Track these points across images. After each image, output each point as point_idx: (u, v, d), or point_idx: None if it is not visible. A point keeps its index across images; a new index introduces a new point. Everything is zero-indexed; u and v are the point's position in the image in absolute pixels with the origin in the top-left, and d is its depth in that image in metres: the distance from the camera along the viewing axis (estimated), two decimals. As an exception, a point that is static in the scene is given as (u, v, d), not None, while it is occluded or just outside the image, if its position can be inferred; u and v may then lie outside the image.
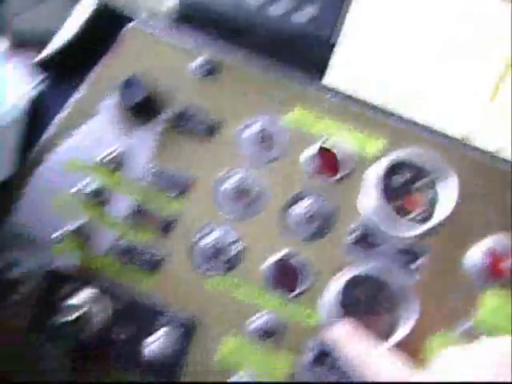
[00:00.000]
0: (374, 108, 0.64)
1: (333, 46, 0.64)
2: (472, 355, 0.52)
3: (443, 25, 0.66)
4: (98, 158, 0.62)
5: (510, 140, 0.64)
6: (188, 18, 0.64)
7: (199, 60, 0.63)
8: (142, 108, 0.61)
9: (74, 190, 0.61)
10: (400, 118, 0.64)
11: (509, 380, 0.48)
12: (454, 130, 0.64)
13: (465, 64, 0.66)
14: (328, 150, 0.62)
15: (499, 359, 0.50)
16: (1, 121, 0.63)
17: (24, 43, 0.67)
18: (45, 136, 0.62)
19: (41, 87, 0.65)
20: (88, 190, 0.61)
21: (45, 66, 0.64)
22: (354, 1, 0.62)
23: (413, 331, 0.60)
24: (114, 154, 0.61)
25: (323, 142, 0.62)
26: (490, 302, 0.62)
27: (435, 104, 0.65)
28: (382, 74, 0.64)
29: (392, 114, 0.64)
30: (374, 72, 0.64)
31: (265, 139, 0.61)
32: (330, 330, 0.60)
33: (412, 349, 0.60)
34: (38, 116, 0.65)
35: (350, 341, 0.58)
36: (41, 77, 0.65)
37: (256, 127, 0.62)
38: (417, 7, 0.66)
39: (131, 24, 0.64)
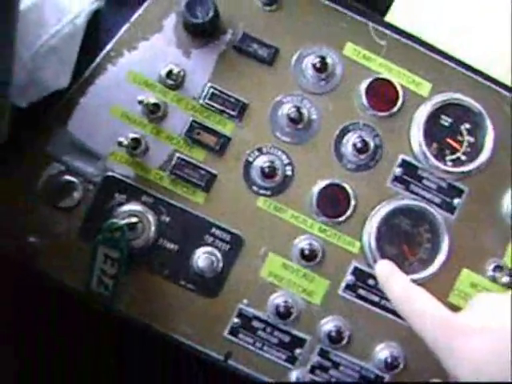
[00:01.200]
0: (430, 49, 0.65)
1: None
2: (507, 302, 0.55)
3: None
4: (159, 74, 0.63)
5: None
6: None
7: (265, -14, 0.64)
8: (205, 28, 0.62)
9: (132, 102, 0.62)
10: (453, 60, 0.65)
11: None
12: (504, 74, 0.66)
13: None
14: (383, 85, 0.64)
15: None
16: (62, 30, 0.63)
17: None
18: (107, 47, 0.63)
19: (100, 2, 0.65)
20: (147, 103, 0.62)
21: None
22: None
23: (448, 262, 0.63)
24: (175, 71, 0.63)
25: (378, 78, 0.64)
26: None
27: (489, 47, 0.67)
28: (441, 14, 0.66)
29: (446, 56, 0.66)
30: (434, 13, 0.66)
31: (322, 69, 0.63)
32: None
33: (447, 279, 0.63)
34: (97, 31, 0.66)
35: (394, 278, 0.61)
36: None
37: (314, 57, 0.63)
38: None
39: None
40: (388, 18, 0.65)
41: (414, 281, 0.62)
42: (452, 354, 0.53)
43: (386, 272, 0.61)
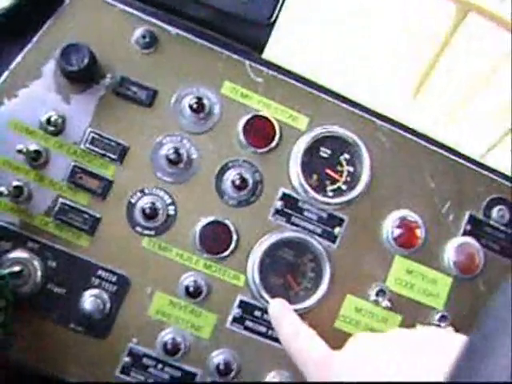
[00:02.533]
0: (306, 83, 0.68)
1: (273, 24, 0.67)
2: (383, 343, 0.57)
3: (377, 10, 0.71)
4: (39, 121, 0.64)
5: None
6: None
7: (140, 31, 0.65)
8: (82, 75, 0.63)
9: (14, 150, 0.63)
10: (329, 93, 0.68)
11: (414, 369, 0.50)
12: (380, 107, 0.69)
13: (392, 52, 0.70)
14: (260, 121, 0.66)
15: (405, 350, 0.53)
16: None
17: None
18: (-13, 96, 0.64)
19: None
20: (27, 151, 0.63)
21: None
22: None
23: (331, 290, 0.66)
24: (55, 117, 0.64)
25: (256, 114, 0.66)
26: (401, 267, 0.68)
27: (364, 81, 0.69)
28: (316, 50, 0.69)
29: (322, 89, 0.68)
30: (309, 50, 0.68)
31: (200, 109, 0.65)
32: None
33: (331, 306, 0.66)
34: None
35: (284, 317, 0.63)
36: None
37: (192, 97, 0.65)
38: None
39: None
40: (265, 55, 0.67)
41: (300, 310, 0.65)
42: None
43: (277, 311, 0.64)
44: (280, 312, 0.64)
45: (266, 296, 0.66)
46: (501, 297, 0.32)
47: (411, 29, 0.74)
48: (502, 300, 0.32)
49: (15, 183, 0.62)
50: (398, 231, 0.68)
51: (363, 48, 0.70)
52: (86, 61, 0.62)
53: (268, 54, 0.67)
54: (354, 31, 0.71)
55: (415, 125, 0.70)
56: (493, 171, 0.71)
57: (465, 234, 0.70)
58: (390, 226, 0.68)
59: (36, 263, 0.63)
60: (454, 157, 0.70)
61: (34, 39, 0.65)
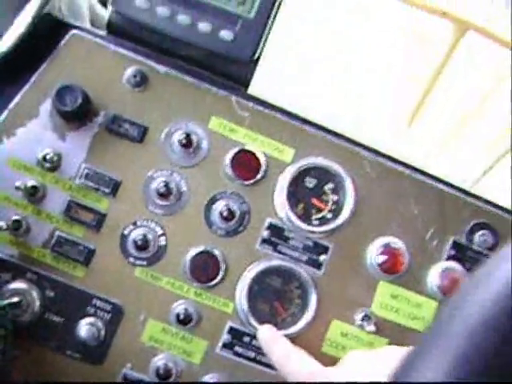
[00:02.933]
0: (292, 117, 0.71)
1: (257, 60, 0.70)
2: (375, 360, 0.60)
3: (363, 41, 0.73)
4: (36, 158, 0.67)
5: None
6: (121, 31, 0.69)
7: (131, 70, 0.69)
8: (76, 114, 0.67)
9: (13, 186, 0.66)
10: (314, 126, 0.71)
11: None
12: (366, 139, 0.71)
13: (383, 86, 0.73)
14: (246, 155, 0.69)
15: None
16: None
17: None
18: (-14, 135, 0.68)
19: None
20: (25, 187, 0.66)
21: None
22: (277, 21, 0.68)
23: (318, 316, 0.69)
24: (51, 154, 0.67)
25: (242, 148, 0.69)
26: (385, 292, 0.70)
27: (351, 114, 0.72)
28: (300, 85, 0.71)
29: (306, 122, 0.71)
30: (293, 84, 0.71)
31: (188, 144, 0.68)
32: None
33: (318, 331, 0.69)
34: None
35: (275, 342, 0.66)
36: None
37: (181, 133, 0.68)
38: (336, 28, 0.72)
39: (72, 32, 0.69)
40: (250, 91, 0.70)
41: (287, 335, 0.67)
42: None
43: (266, 337, 0.66)
44: (269, 337, 0.67)
45: (255, 322, 0.68)
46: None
47: (404, 55, 0.77)
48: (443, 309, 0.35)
49: (14, 217, 0.66)
50: (382, 257, 0.70)
51: (353, 78, 0.73)
52: (79, 101, 0.66)
53: (253, 89, 0.70)
54: (343, 61, 0.73)
55: (409, 154, 0.73)
56: (475, 197, 0.73)
57: (449, 258, 0.72)
58: (374, 253, 0.70)
59: (34, 293, 0.67)
60: (436, 184, 0.72)
61: (31, 80, 0.68)
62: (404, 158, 0.73)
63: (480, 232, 0.73)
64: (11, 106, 0.68)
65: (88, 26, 0.76)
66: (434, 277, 0.71)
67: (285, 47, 0.70)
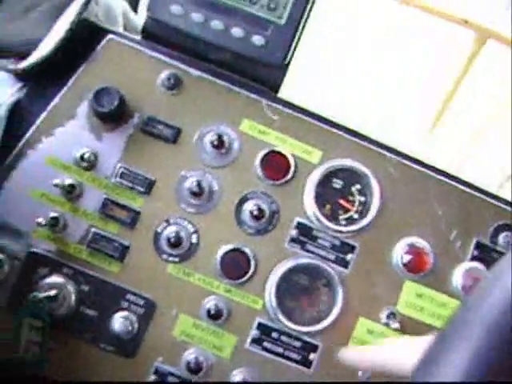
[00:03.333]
0: (320, 119, 0.73)
1: (287, 65, 0.72)
2: None
3: (389, 48, 0.76)
4: (74, 157, 0.70)
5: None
6: (155, 35, 0.72)
7: (165, 73, 0.71)
8: (112, 115, 0.69)
9: (51, 184, 0.69)
10: (341, 128, 0.73)
11: None
12: (392, 142, 0.73)
13: (408, 91, 0.75)
14: (276, 156, 0.71)
15: None
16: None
17: (7, 51, 0.74)
18: (27, 134, 0.70)
19: (20, 94, 0.72)
20: (63, 185, 0.69)
21: (25, 74, 0.71)
22: (308, 26, 0.71)
23: (344, 313, 0.70)
24: (88, 154, 0.70)
25: (272, 150, 0.71)
26: (410, 291, 0.72)
27: (377, 118, 0.74)
28: (331, 89, 0.74)
29: (334, 125, 0.73)
30: (324, 87, 0.74)
31: (220, 145, 0.70)
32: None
33: (345, 328, 0.70)
34: (15, 122, 0.72)
35: (361, 360, 0.66)
36: (20, 84, 0.73)
37: (213, 134, 0.70)
38: (365, 35, 0.75)
39: (108, 36, 0.72)
40: (280, 94, 0.72)
41: (314, 331, 0.70)
42: None
43: (354, 359, 0.67)
44: (357, 358, 0.67)
45: (283, 318, 0.70)
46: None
47: (428, 61, 0.79)
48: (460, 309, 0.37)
49: (52, 214, 0.68)
50: (407, 257, 0.72)
51: (379, 83, 0.75)
52: (115, 103, 0.68)
53: (283, 92, 0.72)
54: (370, 67, 0.76)
55: (433, 156, 0.74)
56: (498, 199, 0.75)
57: (472, 259, 0.74)
58: (399, 252, 0.72)
59: (70, 287, 0.69)
60: (460, 185, 0.74)
61: (69, 83, 0.71)
62: (428, 160, 0.75)
63: (504, 233, 0.74)
64: (50, 107, 0.71)
65: (121, 29, 0.79)
66: (457, 277, 0.73)
67: (315, 52, 0.72)
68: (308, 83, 0.70)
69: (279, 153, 0.71)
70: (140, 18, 0.84)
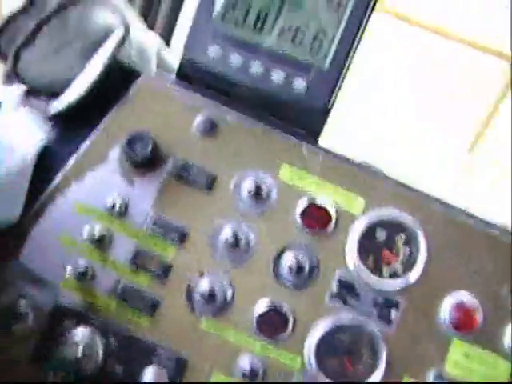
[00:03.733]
0: (360, 167, 0.69)
1: (329, 111, 0.69)
2: None
3: (426, 95, 0.72)
4: (104, 204, 0.67)
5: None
6: (191, 77, 0.69)
7: (200, 118, 0.68)
8: (146, 161, 0.66)
9: (80, 232, 0.66)
10: (384, 178, 0.69)
11: None
12: (435, 190, 0.70)
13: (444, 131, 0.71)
14: (317, 207, 0.67)
15: None
16: (12, 168, 0.67)
17: (39, 92, 0.72)
18: (56, 178, 0.67)
19: (50, 137, 0.70)
20: (93, 233, 0.66)
21: (57, 117, 0.69)
22: (350, 72, 0.67)
23: (388, 373, 0.66)
24: (119, 201, 0.66)
25: (312, 199, 0.67)
26: (458, 350, 0.67)
27: (417, 165, 0.70)
28: (372, 138, 0.70)
29: (377, 174, 0.69)
30: (365, 136, 0.70)
31: (258, 194, 0.67)
32: None
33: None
34: (43, 165, 0.69)
35: None
36: (51, 126, 0.70)
37: (250, 182, 0.67)
38: (406, 81, 0.71)
39: (140, 79, 0.70)
40: (321, 140, 0.69)
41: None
42: None
43: None
44: None
45: (323, 378, 0.66)
46: None
47: (461, 98, 0.75)
48: None
49: (80, 264, 0.65)
50: (455, 314, 0.67)
51: (422, 129, 0.71)
52: (149, 149, 0.65)
53: (324, 138, 0.69)
54: (412, 113, 0.72)
55: (473, 203, 0.70)
56: None
57: None
58: (446, 309, 0.68)
59: (98, 341, 0.65)
60: (508, 237, 0.69)
61: (101, 126, 0.68)
62: (469, 208, 0.71)
63: (557, 290, 0.69)
64: (80, 150, 0.68)
65: (154, 68, 0.76)
66: (509, 336, 0.68)
67: (357, 98, 0.68)
68: (349, 129, 0.66)
69: (319, 206, 0.67)
70: (173, 55, 0.82)
